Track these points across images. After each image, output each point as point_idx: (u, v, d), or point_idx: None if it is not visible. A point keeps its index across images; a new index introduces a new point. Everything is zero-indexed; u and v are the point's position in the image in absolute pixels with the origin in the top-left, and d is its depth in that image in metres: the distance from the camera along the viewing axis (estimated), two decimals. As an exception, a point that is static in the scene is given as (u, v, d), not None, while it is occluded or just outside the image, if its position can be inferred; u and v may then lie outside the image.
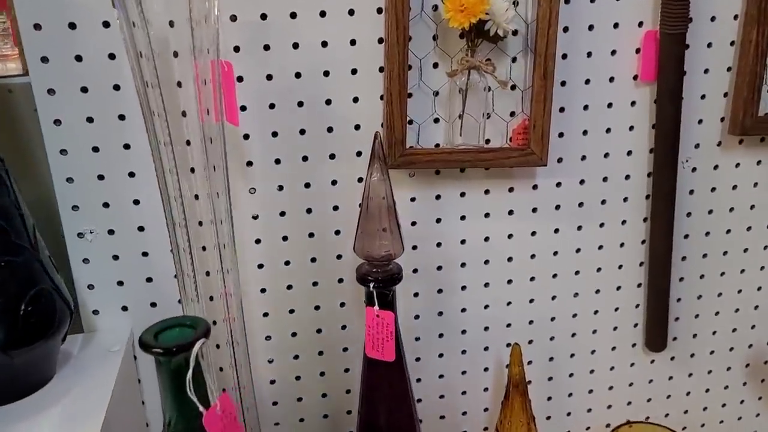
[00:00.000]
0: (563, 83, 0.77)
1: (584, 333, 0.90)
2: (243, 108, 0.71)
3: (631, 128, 0.81)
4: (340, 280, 0.80)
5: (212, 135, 0.67)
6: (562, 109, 0.78)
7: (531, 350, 0.88)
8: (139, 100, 0.60)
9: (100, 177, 0.70)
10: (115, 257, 0.73)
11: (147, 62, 0.60)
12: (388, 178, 0.67)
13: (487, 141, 0.77)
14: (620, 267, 0.87)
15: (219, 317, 0.73)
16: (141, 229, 0.73)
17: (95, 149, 0.69)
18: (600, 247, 0.86)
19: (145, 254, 0.74)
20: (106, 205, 0.71)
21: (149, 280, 0.75)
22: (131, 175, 0.71)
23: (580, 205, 0.83)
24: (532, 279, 0.86)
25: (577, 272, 0.87)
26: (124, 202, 0.72)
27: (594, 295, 0.88)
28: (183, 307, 0.67)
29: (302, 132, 0.73)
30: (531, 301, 0.87)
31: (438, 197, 0.79)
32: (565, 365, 0.91)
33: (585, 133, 0.80)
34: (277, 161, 0.74)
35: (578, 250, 0.86)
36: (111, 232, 0.72)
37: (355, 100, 0.73)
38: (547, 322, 0.88)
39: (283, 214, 0.76)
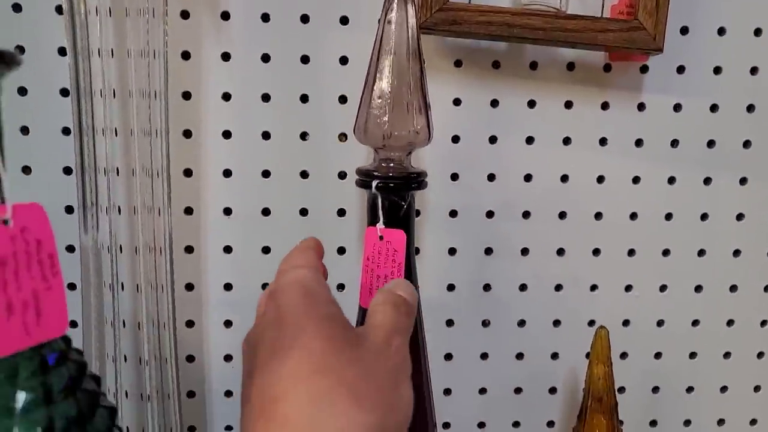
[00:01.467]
0: (691, -49, 0.53)
1: (710, 354, 0.59)
2: (224, -67, 0.51)
3: (795, 31, 0.55)
4: (341, 212, 0.55)
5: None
6: (687, -8, 0.53)
7: (624, 369, 0.58)
8: None
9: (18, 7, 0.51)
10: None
11: None
12: (417, 19, 0.44)
13: (573, 24, 0.53)
14: (772, 252, 0.58)
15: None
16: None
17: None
18: (740, 217, 0.57)
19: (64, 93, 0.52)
20: (20, 50, 0.51)
21: (67, 169, 0.53)
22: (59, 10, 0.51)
23: (710, 144, 0.56)
24: (632, 253, 0.57)
25: (701, 252, 0.57)
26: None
27: (728, 294, 0.58)
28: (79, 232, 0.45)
29: (304, -22, 0.52)
30: (628, 288, 0.57)
31: (495, 104, 0.54)
32: (678, 404, 0.59)
33: (722, 31, 0.54)
34: (265, 17, 0.52)
35: (704, 217, 0.57)
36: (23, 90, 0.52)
37: (384, -59, 0.51)
38: (651, 327, 0.58)
39: (266, 97, 0.53)
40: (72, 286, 0.52)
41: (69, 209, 0.52)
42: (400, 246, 0.43)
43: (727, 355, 0.59)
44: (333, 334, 0.27)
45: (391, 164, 0.45)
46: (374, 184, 0.44)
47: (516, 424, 0.59)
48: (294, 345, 0.26)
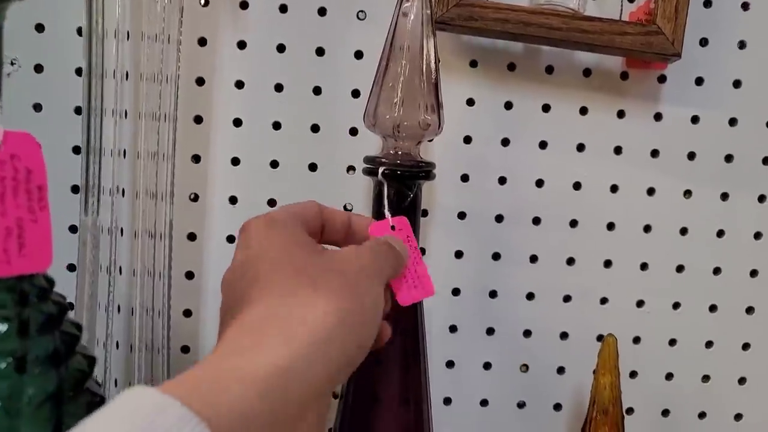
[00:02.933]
0: (711, -37, 0.53)
1: (724, 379, 0.56)
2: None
3: (817, 49, 0.54)
4: (348, 207, 0.54)
5: None
6: (707, 3, 0.53)
7: (633, 388, 0.55)
8: None
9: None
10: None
11: None
12: (432, 11, 0.44)
13: (591, 30, 0.52)
14: (791, 274, 0.56)
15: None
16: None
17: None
18: (758, 235, 0.55)
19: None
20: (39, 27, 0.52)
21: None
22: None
23: (729, 158, 0.55)
24: (644, 267, 0.55)
25: (717, 270, 0.55)
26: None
27: (743, 316, 0.56)
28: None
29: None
30: (640, 304, 0.56)
31: (509, 106, 0.54)
32: (690, 430, 0.57)
33: (742, 45, 0.54)
34: (283, 8, 0.52)
35: (721, 233, 0.55)
36: (39, 68, 0.52)
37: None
38: (662, 346, 0.56)
39: (279, 87, 0.53)
40: (72, 268, 0.52)
41: (75, 189, 0.52)
42: (409, 230, 0.41)
43: (742, 380, 0.56)
44: (295, 243, 0.29)
45: (400, 153, 0.45)
46: (381, 170, 0.43)
47: (518, 440, 0.56)
48: (260, 266, 0.28)
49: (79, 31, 0.51)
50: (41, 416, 0.26)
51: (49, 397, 0.27)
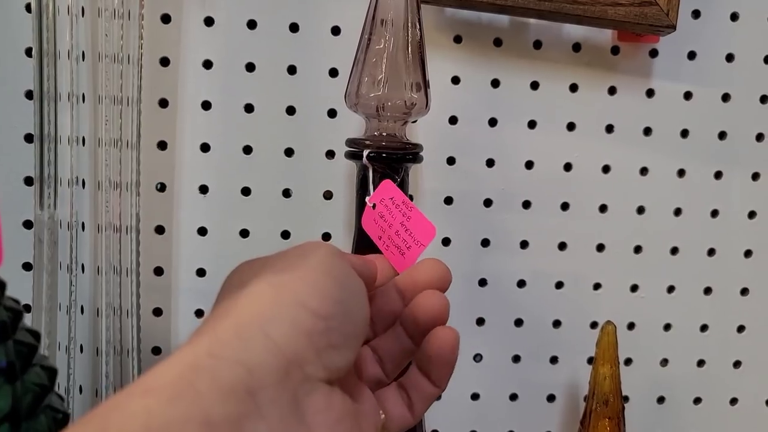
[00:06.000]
0: (704, -67, 0.50)
1: (720, 363, 0.55)
2: None
3: (811, 20, 0.52)
4: (328, 195, 0.51)
5: None
6: (699, -26, 0.51)
7: (628, 376, 0.53)
8: None
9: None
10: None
11: None
12: (415, -18, 0.41)
13: (580, 2, 0.50)
14: (787, 254, 0.54)
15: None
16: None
17: None
18: (752, 215, 0.54)
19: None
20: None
21: None
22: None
23: (722, 136, 0.53)
24: (638, 250, 0.53)
25: (711, 252, 0.54)
26: None
27: (738, 298, 0.54)
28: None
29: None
30: (633, 288, 0.53)
31: (495, 84, 0.51)
32: (685, 416, 0.55)
33: (735, 17, 0.52)
34: (253, -18, 0.48)
35: (715, 213, 0.53)
36: (-15, 49, 0.47)
37: None
38: (657, 331, 0.54)
39: (251, 67, 0.49)
40: (28, 266, 0.47)
41: (29, 181, 0.48)
42: (394, 192, 0.38)
43: (737, 364, 0.55)
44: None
45: (385, 134, 0.41)
46: (365, 153, 0.40)
47: (510, 434, 0.54)
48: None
49: (29, 8, 0.47)
50: (-6, 440, 0.22)
51: (4, 417, 0.23)
